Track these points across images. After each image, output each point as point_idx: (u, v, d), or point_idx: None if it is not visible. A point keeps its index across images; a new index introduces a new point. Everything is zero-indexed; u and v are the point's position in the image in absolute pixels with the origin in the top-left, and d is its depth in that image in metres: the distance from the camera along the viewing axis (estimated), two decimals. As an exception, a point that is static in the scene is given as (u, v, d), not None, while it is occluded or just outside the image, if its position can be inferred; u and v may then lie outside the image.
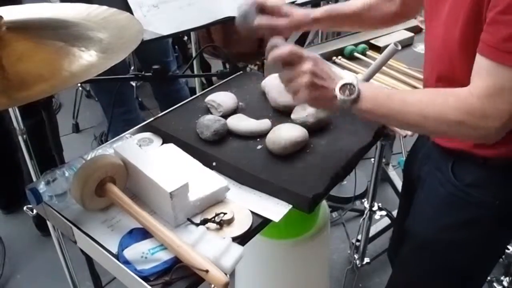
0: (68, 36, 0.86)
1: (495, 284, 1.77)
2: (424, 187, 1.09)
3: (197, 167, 1.00)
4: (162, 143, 1.10)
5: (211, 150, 1.03)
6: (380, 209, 1.81)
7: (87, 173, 0.88)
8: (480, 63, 0.78)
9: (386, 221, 2.05)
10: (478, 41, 0.78)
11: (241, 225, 0.89)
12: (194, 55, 1.85)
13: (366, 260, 1.92)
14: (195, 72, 1.85)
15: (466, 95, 0.78)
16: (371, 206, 1.75)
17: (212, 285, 0.76)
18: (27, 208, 1.09)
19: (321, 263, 1.59)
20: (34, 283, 2.02)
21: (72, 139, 2.91)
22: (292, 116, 1.11)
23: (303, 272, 1.50)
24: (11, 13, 0.88)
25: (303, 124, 1.07)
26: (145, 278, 0.78)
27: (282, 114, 1.15)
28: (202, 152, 1.03)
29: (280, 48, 0.86)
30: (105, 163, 0.89)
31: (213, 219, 0.88)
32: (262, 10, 1.01)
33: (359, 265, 1.91)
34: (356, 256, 1.92)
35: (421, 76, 1.29)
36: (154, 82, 2.47)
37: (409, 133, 1.17)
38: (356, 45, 1.51)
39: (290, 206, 0.93)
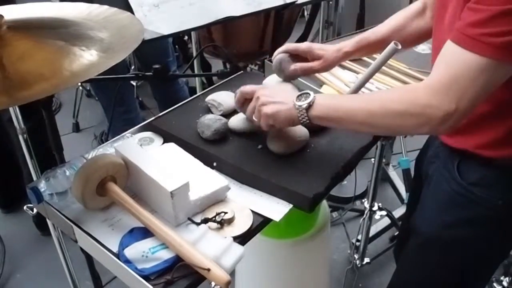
0: (69, 36, 0.86)
1: (494, 284, 1.77)
2: (430, 185, 1.09)
3: (198, 166, 1.00)
4: (163, 143, 1.10)
5: (211, 149, 1.03)
6: (380, 209, 1.81)
7: (88, 172, 0.88)
8: (444, 48, 0.81)
9: (386, 221, 2.05)
10: None
11: (242, 225, 0.89)
12: (194, 54, 1.85)
13: (366, 260, 1.92)
14: (196, 72, 1.85)
15: (414, 86, 0.83)
16: (371, 206, 1.75)
17: (212, 285, 0.76)
18: (27, 207, 1.09)
19: (321, 263, 1.59)
20: (34, 282, 2.02)
21: (72, 138, 2.91)
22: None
23: (303, 272, 1.50)
24: (12, 12, 0.88)
25: (303, 124, 1.07)
26: (146, 277, 0.78)
27: (283, 113, 1.15)
28: (203, 151, 1.03)
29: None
30: (106, 162, 0.89)
31: (213, 218, 0.88)
32: (296, 55, 1.12)
33: (359, 265, 1.91)
34: (356, 256, 1.92)
35: (421, 76, 1.29)
36: (155, 81, 2.47)
37: (409, 133, 1.17)
38: (356, 45, 1.51)
39: (291, 205, 0.93)
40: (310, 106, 0.89)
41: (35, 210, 1.01)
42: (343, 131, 1.10)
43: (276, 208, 0.93)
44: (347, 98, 0.93)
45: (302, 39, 2.71)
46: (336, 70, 1.38)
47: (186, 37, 3.16)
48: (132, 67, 3.10)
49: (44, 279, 2.00)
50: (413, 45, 1.19)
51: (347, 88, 1.23)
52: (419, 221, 1.11)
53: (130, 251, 0.82)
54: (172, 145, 1.06)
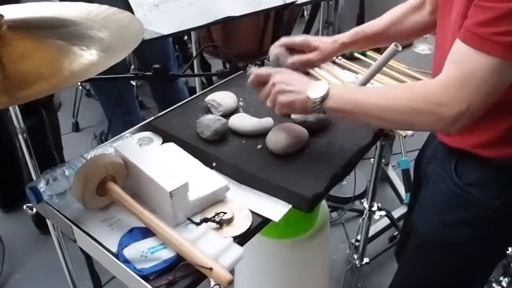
0: (69, 35, 0.86)
1: (494, 284, 1.77)
2: (428, 185, 1.09)
3: (197, 166, 1.00)
4: (162, 142, 1.10)
5: (211, 149, 1.04)
6: (379, 209, 1.81)
7: (88, 172, 0.88)
8: (454, 47, 0.80)
9: (386, 221, 2.05)
10: None
11: (241, 225, 0.89)
12: (194, 54, 1.85)
13: (366, 260, 1.92)
14: (195, 72, 1.85)
15: (426, 84, 0.83)
16: (371, 206, 1.75)
17: (212, 284, 0.76)
18: (27, 206, 1.08)
19: (320, 263, 1.59)
20: (33, 282, 2.02)
21: (71, 138, 2.91)
22: (292, 115, 1.11)
23: (303, 272, 1.50)
24: (12, 12, 0.88)
25: (303, 124, 1.07)
26: (145, 277, 0.78)
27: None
28: (202, 151, 1.03)
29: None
30: (106, 162, 0.90)
31: (213, 218, 0.88)
32: (292, 49, 1.13)
33: (358, 265, 1.91)
34: (355, 256, 1.92)
35: (420, 77, 1.29)
36: (155, 81, 2.46)
37: (409, 133, 1.17)
38: (356, 45, 1.51)
39: (290, 205, 0.93)
40: (324, 98, 0.90)
41: (34, 210, 1.01)
42: (343, 130, 1.10)
43: (275, 208, 0.93)
44: (361, 91, 0.94)
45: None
46: (336, 70, 1.38)
47: (186, 37, 3.16)
48: (132, 67, 3.10)
49: (43, 279, 2.00)
50: (410, 39, 1.19)
51: (347, 88, 1.23)
52: (418, 222, 1.11)
53: (129, 251, 0.82)
54: (171, 145, 1.06)
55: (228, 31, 2.22)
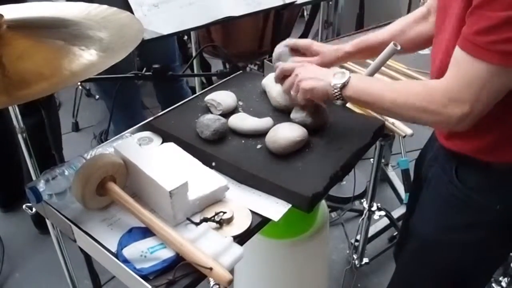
0: (69, 35, 0.86)
1: (493, 284, 1.77)
2: (429, 188, 1.09)
3: (197, 166, 1.00)
4: (162, 142, 1.10)
5: (210, 149, 1.04)
6: (379, 209, 1.81)
7: (88, 172, 0.88)
8: (455, 53, 0.83)
9: (385, 221, 2.05)
10: None
11: (241, 224, 0.89)
12: (194, 54, 1.85)
13: (365, 260, 1.92)
14: (195, 72, 1.85)
15: (433, 85, 0.87)
16: (370, 206, 1.75)
17: (212, 283, 0.76)
18: (26, 206, 1.08)
19: (320, 263, 1.59)
20: (33, 281, 2.02)
21: (71, 138, 2.91)
22: (291, 115, 1.11)
23: (302, 272, 1.50)
24: (11, 11, 0.88)
25: (302, 124, 1.07)
26: (144, 277, 0.78)
27: (282, 113, 1.15)
28: (202, 151, 1.03)
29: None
30: (106, 162, 0.90)
31: (212, 218, 0.88)
32: (295, 50, 1.17)
33: (358, 265, 1.91)
34: (355, 256, 1.92)
35: (420, 77, 1.29)
36: (155, 81, 2.46)
37: (409, 133, 1.18)
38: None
39: (290, 205, 0.93)
40: (344, 86, 0.95)
41: (34, 209, 1.01)
42: (342, 130, 1.10)
43: (275, 208, 0.93)
44: (378, 84, 0.97)
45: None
46: (336, 70, 1.38)
47: (185, 37, 3.16)
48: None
49: (43, 278, 2.00)
50: (414, 50, 1.19)
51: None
52: (418, 224, 1.11)
53: (129, 251, 0.82)
54: (171, 145, 1.06)
55: (227, 31, 2.23)
